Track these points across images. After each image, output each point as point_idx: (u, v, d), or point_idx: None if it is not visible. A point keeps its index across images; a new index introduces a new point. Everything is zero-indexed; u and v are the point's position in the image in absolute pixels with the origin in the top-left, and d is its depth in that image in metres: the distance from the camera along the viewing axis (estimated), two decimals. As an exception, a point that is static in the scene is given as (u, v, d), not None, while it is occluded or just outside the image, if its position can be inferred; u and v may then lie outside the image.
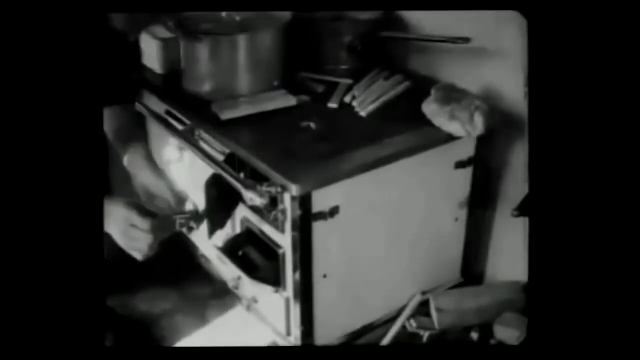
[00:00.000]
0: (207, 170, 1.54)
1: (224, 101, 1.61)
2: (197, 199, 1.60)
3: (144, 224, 1.32)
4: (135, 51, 1.86)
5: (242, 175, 1.48)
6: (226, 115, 1.56)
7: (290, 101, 1.63)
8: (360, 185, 1.43)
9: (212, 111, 1.59)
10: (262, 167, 1.40)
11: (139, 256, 1.37)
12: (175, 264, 2.05)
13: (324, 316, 1.54)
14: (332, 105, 1.66)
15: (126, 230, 1.30)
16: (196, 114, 1.62)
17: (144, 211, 1.35)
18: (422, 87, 1.68)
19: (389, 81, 1.75)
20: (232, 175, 1.44)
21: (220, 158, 1.54)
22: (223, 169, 1.46)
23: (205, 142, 1.60)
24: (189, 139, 1.60)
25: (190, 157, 1.69)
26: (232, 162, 1.51)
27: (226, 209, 1.56)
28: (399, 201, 1.55)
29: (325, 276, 1.49)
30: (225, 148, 1.53)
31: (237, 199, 1.53)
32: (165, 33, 1.72)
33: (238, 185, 1.41)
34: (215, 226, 1.56)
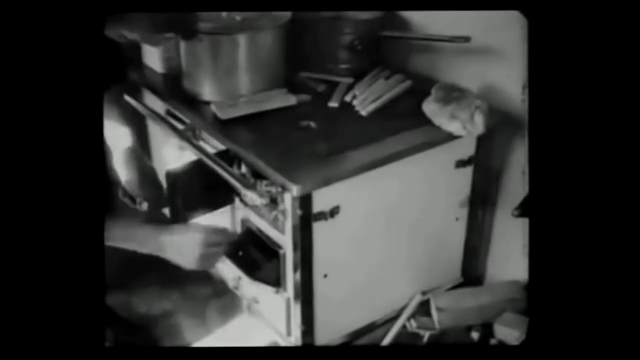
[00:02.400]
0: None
1: (224, 101, 1.61)
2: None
3: (221, 238, 1.44)
4: (136, 50, 1.87)
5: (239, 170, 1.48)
6: (226, 114, 1.56)
7: (291, 100, 1.63)
8: (361, 184, 1.43)
9: (212, 110, 1.59)
10: (262, 166, 1.40)
11: (212, 267, 1.50)
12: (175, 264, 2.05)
13: (324, 316, 1.54)
14: (333, 104, 1.66)
15: (206, 251, 1.40)
16: (196, 114, 1.62)
17: (215, 229, 1.44)
18: (422, 86, 1.68)
19: (389, 80, 1.75)
20: (231, 174, 1.44)
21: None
22: (223, 168, 1.46)
23: (206, 141, 1.60)
24: (189, 138, 1.60)
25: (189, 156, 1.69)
26: (230, 161, 1.51)
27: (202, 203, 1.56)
28: (400, 200, 1.55)
29: (325, 276, 1.49)
30: (226, 147, 1.53)
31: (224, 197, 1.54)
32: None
33: (237, 185, 1.41)
34: (176, 215, 1.54)
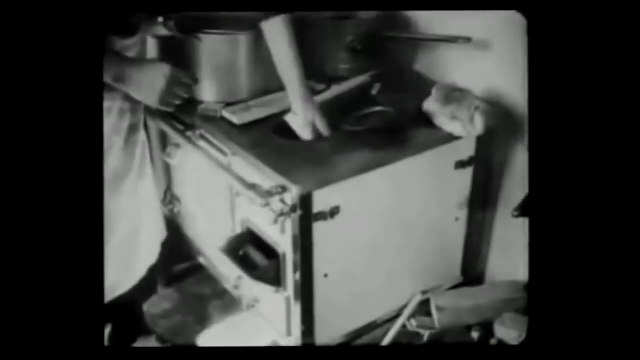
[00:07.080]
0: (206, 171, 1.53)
1: (236, 105, 1.60)
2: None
3: (188, 79, 1.43)
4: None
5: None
6: (241, 119, 1.55)
7: None
8: (361, 185, 1.43)
9: (205, 111, 1.59)
10: (263, 167, 1.40)
11: (171, 109, 1.45)
12: (175, 264, 2.05)
13: (324, 315, 1.54)
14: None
15: (170, 84, 1.37)
16: (197, 114, 1.62)
17: (183, 70, 1.43)
18: (422, 87, 1.67)
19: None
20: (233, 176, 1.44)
21: (222, 158, 1.54)
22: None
23: (207, 142, 1.60)
24: (189, 139, 1.60)
25: (190, 157, 1.69)
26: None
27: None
28: (400, 201, 1.55)
29: (325, 276, 1.49)
30: (227, 148, 1.53)
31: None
32: (165, 32, 1.71)
33: (239, 186, 1.41)
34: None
